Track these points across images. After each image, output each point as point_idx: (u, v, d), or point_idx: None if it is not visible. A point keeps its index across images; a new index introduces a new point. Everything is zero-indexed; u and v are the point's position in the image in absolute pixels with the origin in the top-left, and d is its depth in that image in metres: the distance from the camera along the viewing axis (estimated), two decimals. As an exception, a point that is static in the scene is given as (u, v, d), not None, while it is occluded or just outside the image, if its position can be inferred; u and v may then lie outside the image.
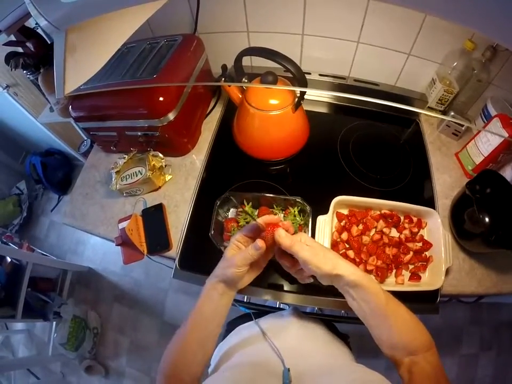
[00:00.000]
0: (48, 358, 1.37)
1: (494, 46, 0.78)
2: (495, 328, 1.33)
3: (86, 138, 1.47)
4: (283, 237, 0.42)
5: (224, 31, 0.87)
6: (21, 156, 1.80)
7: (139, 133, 0.79)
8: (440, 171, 0.85)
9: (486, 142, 0.85)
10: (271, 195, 0.64)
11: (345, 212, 0.69)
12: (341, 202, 0.66)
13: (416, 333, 0.43)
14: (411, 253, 0.69)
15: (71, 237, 1.63)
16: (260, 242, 0.42)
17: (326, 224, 0.62)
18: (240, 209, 0.65)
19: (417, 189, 0.81)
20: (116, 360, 1.39)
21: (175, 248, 0.70)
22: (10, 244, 1.41)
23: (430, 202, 0.79)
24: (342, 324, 0.70)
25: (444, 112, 0.93)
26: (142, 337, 1.41)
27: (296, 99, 0.65)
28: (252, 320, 0.60)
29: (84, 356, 1.35)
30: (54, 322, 1.38)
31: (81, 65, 0.32)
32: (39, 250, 1.46)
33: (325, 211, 0.64)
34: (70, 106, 0.81)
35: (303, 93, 0.64)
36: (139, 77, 0.75)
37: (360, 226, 0.67)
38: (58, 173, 1.52)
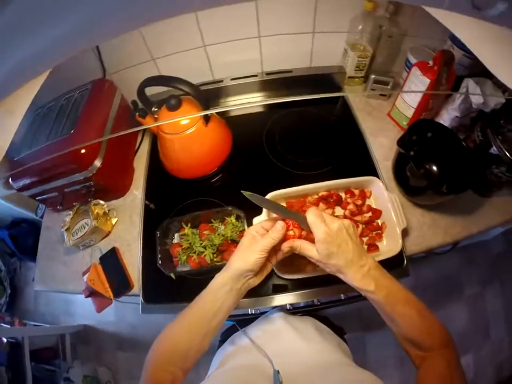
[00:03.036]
0: (70, 424, 1.45)
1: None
2: (490, 262, 1.42)
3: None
4: (298, 246, 0.48)
5: (132, 65, 0.95)
6: (-13, 234, 1.88)
7: (78, 187, 0.87)
8: (374, 135, 0.92)
9: (411, 94, 0.92)
10: (206, 211, 0.72)
11: (283, 205, 0.75)
12: (274, 198, 0.71)
13: (428, 332, 0.45)
14: (360, 226, 0.73)
15: (59, 300, 1.70)
16: (281, 223, 0.47)
17: None
18: (181, 233, 0.72)
19: (355, 160, 0.87)
20: (137, 407, 1.46)
21: (137, 285, 0.77)
22: (2, 324, 1.49)
23: (371, 169, 0.85)
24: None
25: (366, 77, 1.00)
26: (156, 377, 1.47)
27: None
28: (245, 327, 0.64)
29: (104, 413, 1.43)
30: (67, 388, 1.46)
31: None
32: (31, 323, 1.54)
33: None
34: (10, 179, 0.90)
35: (206, 109, 0.72)
36: (60, 134, 0.83)
37: (300, 215, 0.74)
38: (29, 241, 1.60)
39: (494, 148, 0.76)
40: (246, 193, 0.49)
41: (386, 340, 1.27)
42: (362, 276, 0.46)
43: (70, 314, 1.66)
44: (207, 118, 0.73)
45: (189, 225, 0.71)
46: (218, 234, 0.68)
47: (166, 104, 0.73)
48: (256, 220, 0.69)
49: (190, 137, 0.74)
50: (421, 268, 1.35)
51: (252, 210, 0.69)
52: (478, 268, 1.42)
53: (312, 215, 0.46)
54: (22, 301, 1.79)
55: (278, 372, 0.42)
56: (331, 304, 0.80)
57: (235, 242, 0.70)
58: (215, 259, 0.67)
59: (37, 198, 0.96)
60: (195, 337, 0.46)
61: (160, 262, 0.69)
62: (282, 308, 0.71)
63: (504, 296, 1.37)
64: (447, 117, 0.96)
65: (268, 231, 0.49)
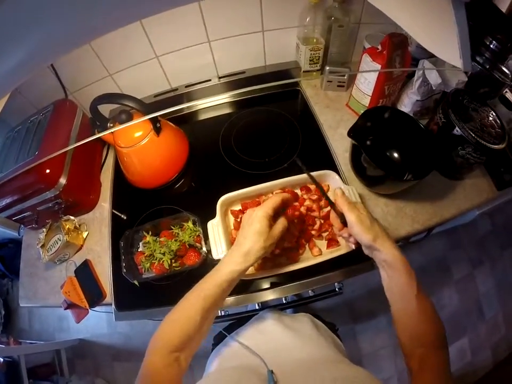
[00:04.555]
0: None
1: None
2: (477, 243, 1.47)
3: (20, 222, 1.66)
4: (339, 196, 0.56)
5: (91, 82, 1.03)
6: (-25, 257, 2.00)
7: (49, 204, 0.96)
8: (333, 127, 0.98)
9: (365, 82, 0.97)
10: (165, 218, 0.80)
11: (238, 207, 0.79)
12: (228, 200, 0.76)
13: (435, 326, 0.49)
14: (318, 221, 0.75)
15: (53, 316, 1.82)
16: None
17: (216, 226, 0.72)
18: (143, 241, 0.81)
19: (314, 155, 0.93)
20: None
21: (109, 295, 0.86)
22: (-2, 345, 1.61)
23: (330, 162, 0.90)
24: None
25: (323, 69, 1.06)
26: (152, 385, 1.58)
27: (152, 125, 0.81)
28: (243, 324, 0.68)
29: (104, 423, 1.55)
30: (66, 402, 1.58)
31: None
32: (27, 341, 1.66)
33: (221, 215, 0.77)
34: (-15, 203, 0.99)
35: (154, 119, 0.80)
36: (27, 156, 0.92)
37: (254, 216, 0.79)
38: (17, 260, 1.69)
39: (457, 128, 0.79)
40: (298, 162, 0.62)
41: (378, 331, 1.33)
42: (395, 248, 0.52)
43: (64, 330, 1.78)
44: (157, 129, 0.81)
45: (150, 233, 0.80)
46: (175, 240, 0.76)
47: (117, 119, 0.81)
48: (210, 224, 0.74)
49: (144, 149, 0.82)
50: (407, 255, 1.36)
51: (207, 214, 0.76)
52: (466, 250, 1.47)
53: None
54: (16, 321, 1.92)
55: (272, 371, 0.44)
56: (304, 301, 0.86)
57: (193, 247, 0.78)
58: (173, 264, 0.75)
59: (14, 219, 1.06)
60: (203, 319, 0.48)
61: (125, 271, 0.77)
62: (273, 307, 0.76)
63: (496, 275, 1.42)
64: (408, 102, 1.02)
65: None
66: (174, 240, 0.75)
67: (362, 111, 1.00)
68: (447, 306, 1.40)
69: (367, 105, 0.99)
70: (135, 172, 0.88)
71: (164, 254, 0.74)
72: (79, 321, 0.91)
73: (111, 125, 0.86)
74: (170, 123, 0.89)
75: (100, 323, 1.56)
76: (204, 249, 0.75)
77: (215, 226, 0.73)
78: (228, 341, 0.66)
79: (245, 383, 0.44)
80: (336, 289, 0.89)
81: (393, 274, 0.51)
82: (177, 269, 0.75)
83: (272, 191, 0.81)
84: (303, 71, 1.04)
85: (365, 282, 1.41)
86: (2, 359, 1.47)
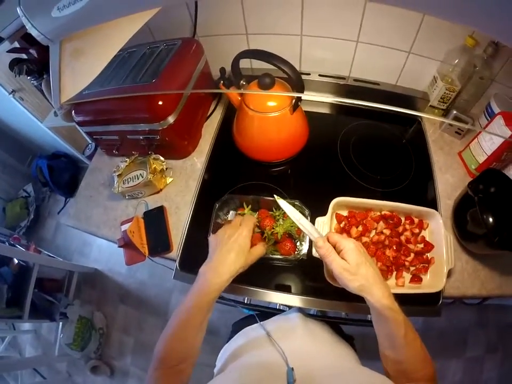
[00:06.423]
0: (54, 358, 1.40)
1: (495, 42, 0.77)
2: (502, 331, 1.32)
3: (90, 141, 1.49)
4: (319, 246, 0.45)
5: (224, 34, 0.88)
6: (27, 159, 1.84)
7: (140, 137, 0.80)
8: (442, 171, 0.84)
9: (489, 141, 0.84)
10: (271, 198, 0.65)
11: (344, 213, 0.68)
12: (340, 203, 0.66)
13: (423, 363, 0.44)
14: (412, 254, 0.68)
15: (78, 238, 1.66)
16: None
17: (324, 225, 0.62)
18: (239, 212, 0.65)
19: (419, 189, 0.80)
20: (121, 360, 1.42)
21: (176, 250, 0.71)
22: (17, 245, 1.44)
23: (432, 203, 0.78)
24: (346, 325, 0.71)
25: (447, 111, 0.92)
26: (146, 337, 1.43)
27: (294, 101, 0.65)
28: (257, 322, 0.61)
29: (89, 356, 1.38)
30: (61, 323, 1.41)
31: (77, 74, 0.33)
32: (46, 252, 1.49)
33: (325, 212, 0.64)
34: (73, 111, 0.83)
35: (299, 97, 0.64)
36: (139, 81, 0.76)
37: (360, 228, 0.67)
38: (64, 175, 1.56)
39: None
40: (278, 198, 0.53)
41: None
42: (389, 293, 0.43)
43: (84, 255, 1.62)
44: (295, 107, 0.66)
45: (250, 206, 0.64)
46: (279, 226, 0.60)
47: (259, 81, 0.66)
48: (319, 221, 0.62)
49: (272, 120, 0.67)
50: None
51: (315, 210, 0.63)
52: (488, 331, 1.33)
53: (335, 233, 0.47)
54: (41, 229, 1.75)
55: (292, 369, 0.40)
56: (336, 319, 0.74)
57: (291, 237, 0.63)
58: (272, 249, 0.60)
59: (94, 137, 0.89)
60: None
61: (211, 235, 0.62)
62: (300, 310, 0.66)
63: (502, 369, 1.28)
64: (514, 172, 0.88)
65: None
66: (279, 225, 0.60)
67: (473, 166, 0.87)
68: (448, 377, 1.24)
69: (480, 162, 0.85)
70: (250, 137, 0.73)
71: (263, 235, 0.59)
72: (131, 263, 0.76)
73: (244, 83, 0.71)
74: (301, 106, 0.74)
75: (121, 261, 1.38)
76: (305, 245, 0.60)
77: (323, 224, 0.63)
78: (248, 331, 0.61)
79: (265, 381, 0.39)
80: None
81: (380, 319, 0.43)
82: (273, 255, 0.59)
83: (381, 210, 0.71)
84: (429, 105, 0.90)
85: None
86: (17, 261, 1.31)
